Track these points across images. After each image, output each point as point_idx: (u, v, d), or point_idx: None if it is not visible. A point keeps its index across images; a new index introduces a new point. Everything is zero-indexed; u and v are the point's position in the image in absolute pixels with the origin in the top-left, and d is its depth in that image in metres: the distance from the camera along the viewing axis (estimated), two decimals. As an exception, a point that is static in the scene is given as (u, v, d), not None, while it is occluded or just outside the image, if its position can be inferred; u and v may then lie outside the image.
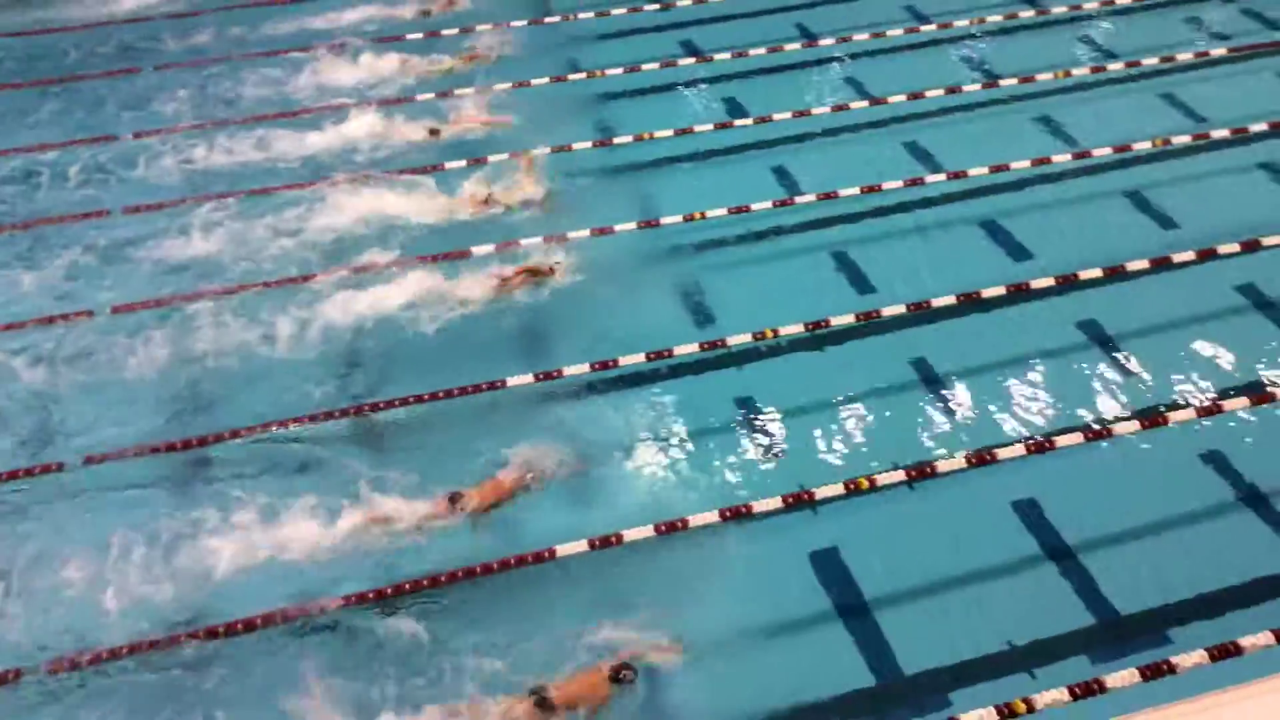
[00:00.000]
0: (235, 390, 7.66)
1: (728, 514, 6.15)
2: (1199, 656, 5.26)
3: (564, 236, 8.93)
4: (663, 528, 6.28)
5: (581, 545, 6.22)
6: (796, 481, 6.49)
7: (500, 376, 7.45)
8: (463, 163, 9.83)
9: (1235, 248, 8.52)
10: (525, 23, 11.91)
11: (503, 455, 6.94)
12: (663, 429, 7.04)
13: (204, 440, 7.26)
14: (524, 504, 6.86)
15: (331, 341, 8.08)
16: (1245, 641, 5.34)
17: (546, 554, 6.21)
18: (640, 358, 7.54)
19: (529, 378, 7.43)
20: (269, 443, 7.34)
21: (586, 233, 8.91)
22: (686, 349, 7.90)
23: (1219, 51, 11.43)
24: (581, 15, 12.33)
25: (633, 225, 9.13)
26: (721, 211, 9.20)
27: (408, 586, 6.16)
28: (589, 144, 10.02)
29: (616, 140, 10.02)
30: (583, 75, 10.95)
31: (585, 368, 7.54)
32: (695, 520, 6.38)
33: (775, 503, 6.34)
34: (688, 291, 8.99)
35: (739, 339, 7.88)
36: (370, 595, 6.06)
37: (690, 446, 6.91)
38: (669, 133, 10.11)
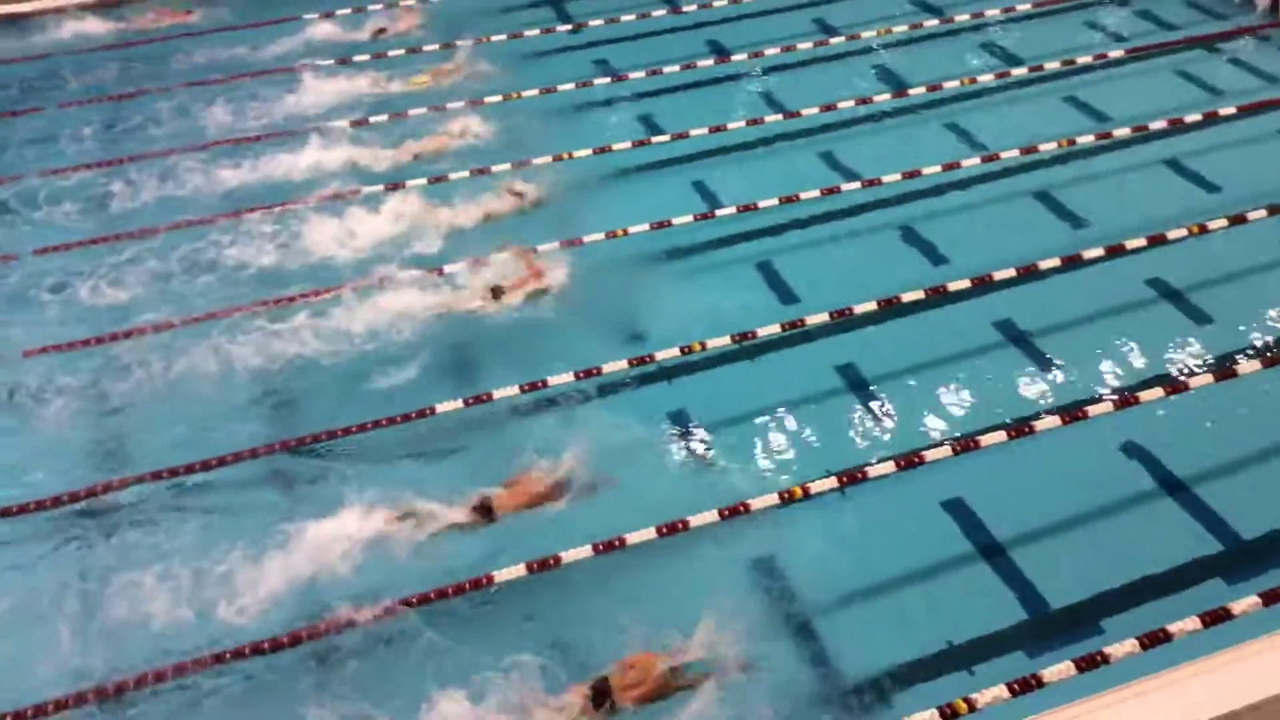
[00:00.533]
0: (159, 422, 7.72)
1: (664, 529, 6.13)
2: (1130, 645, 5.36)
3: (485, 260, 9.10)
4: (600, 546, 6.46)
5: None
6: (733, 494, 6.55)
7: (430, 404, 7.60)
8: (380, 188, 10.18)
9: (1142, 242, 8.76)
10: (437, 47, 12.12)
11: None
12: (592, 449, 6.99)
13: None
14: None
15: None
16: (1174, 628, 5.45)
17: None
18: (568, 377, 7.50)
19: (459, 403, 7.60)
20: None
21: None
22: (614, 366, 7.89)
23: (1117, 53, 11.87)
24: (495, 38, 12.52)
25: (555, 244, 9.23)
26: (644, 227, 9.21)
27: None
28: (507, 165, 10.18)
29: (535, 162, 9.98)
30: (498, 98, 11.18)
31: (514, 390, 7.69)
32: (632, 538, 6.50)
33: (711, 516, 6.34)
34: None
35: (667, 354, 7.88)
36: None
37: (622, 465, 6.87)
38: (587, 152, 10.35)
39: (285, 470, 7.53)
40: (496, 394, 7.71)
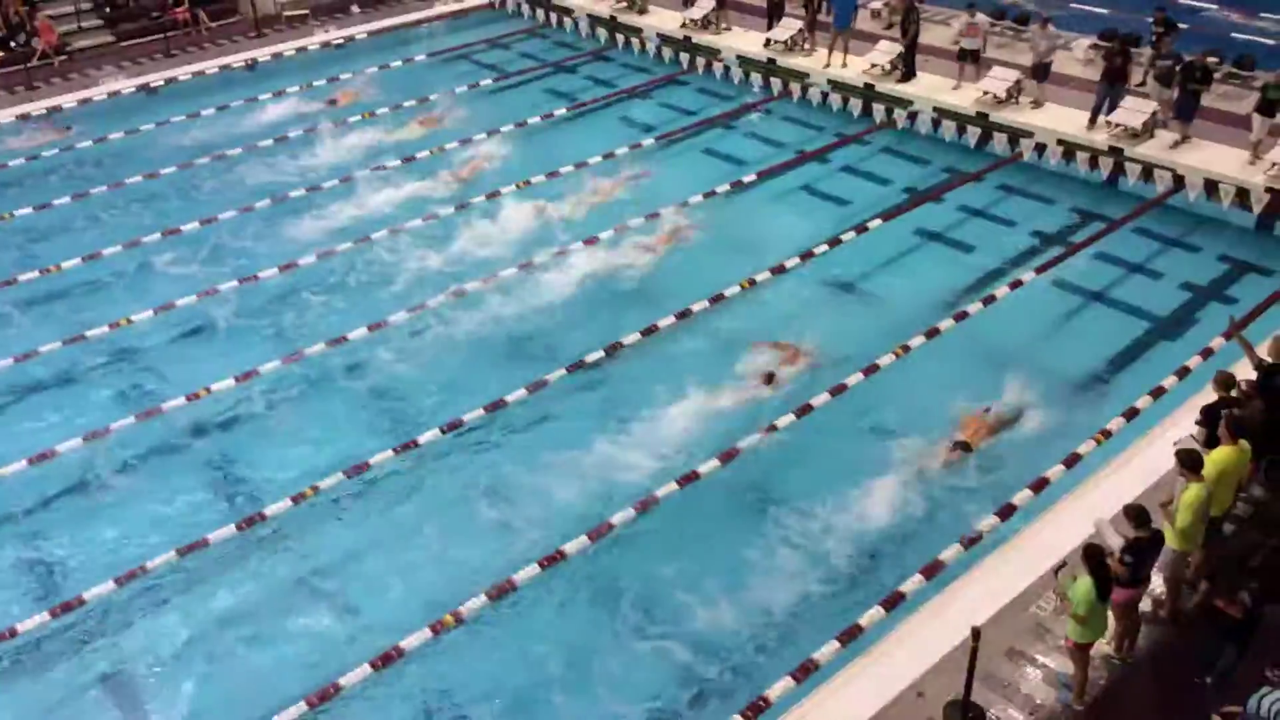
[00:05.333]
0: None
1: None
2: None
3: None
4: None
5: None
6: (387, 640, 6.60)
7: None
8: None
9: (705, 304, 14.61)
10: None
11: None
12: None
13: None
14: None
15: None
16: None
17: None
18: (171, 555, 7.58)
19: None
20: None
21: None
22: (222, 533, 8.30)
23: (648, 141, 15.11)
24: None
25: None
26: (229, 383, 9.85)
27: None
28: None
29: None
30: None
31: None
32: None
33: (364, 674, 6.16)
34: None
35: (279, 507, 8.23)
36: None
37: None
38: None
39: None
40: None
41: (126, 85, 24.10)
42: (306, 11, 28.76)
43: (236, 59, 25.61)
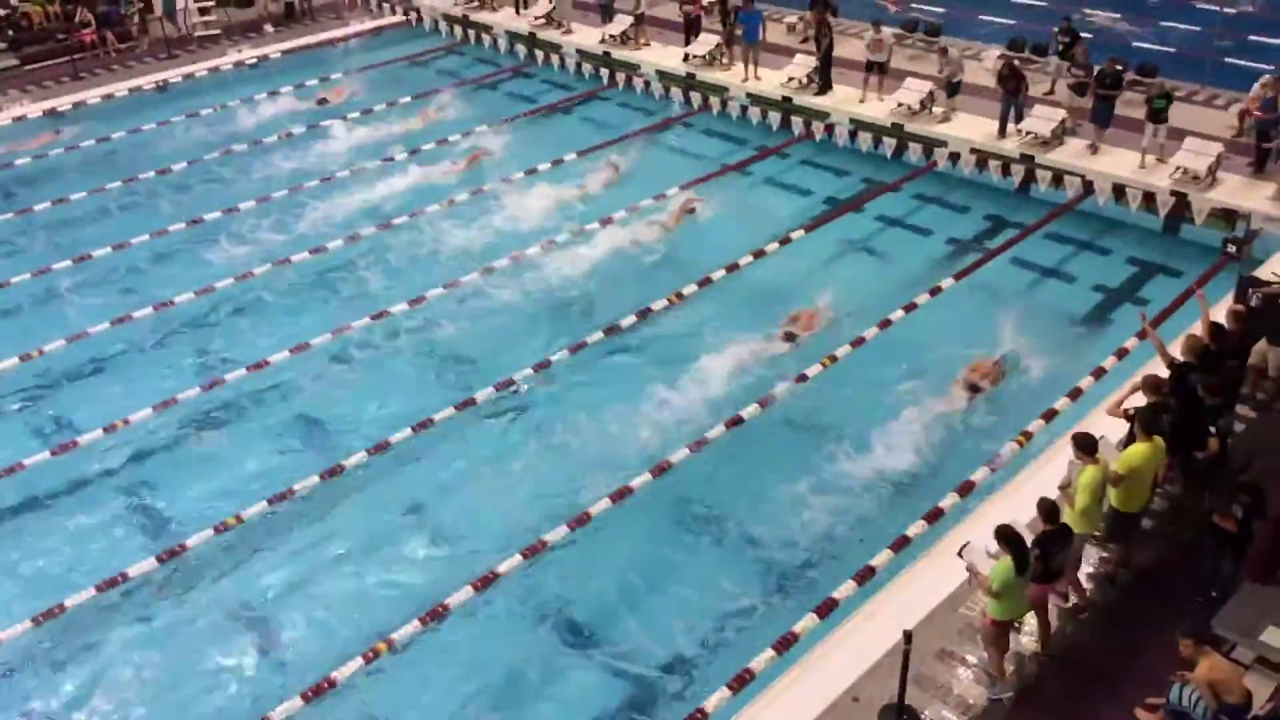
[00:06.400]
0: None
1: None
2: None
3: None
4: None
5: None
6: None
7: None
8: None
9: (664, 303, 15.61)
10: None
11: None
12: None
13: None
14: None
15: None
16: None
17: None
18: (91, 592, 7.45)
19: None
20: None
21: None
22: (142, 567, 8.17)
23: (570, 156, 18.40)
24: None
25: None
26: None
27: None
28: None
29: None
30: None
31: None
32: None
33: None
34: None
35: (200, 538, 8.12)
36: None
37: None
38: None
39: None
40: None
41: (33, 110, 23.56)
42: (219, 31, 28.40)
43: (147, 80, 25.18)
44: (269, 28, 28.82)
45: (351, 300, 16.71)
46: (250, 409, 14.32)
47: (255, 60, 26.53)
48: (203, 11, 28.61)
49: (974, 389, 14.14)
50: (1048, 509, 9.63)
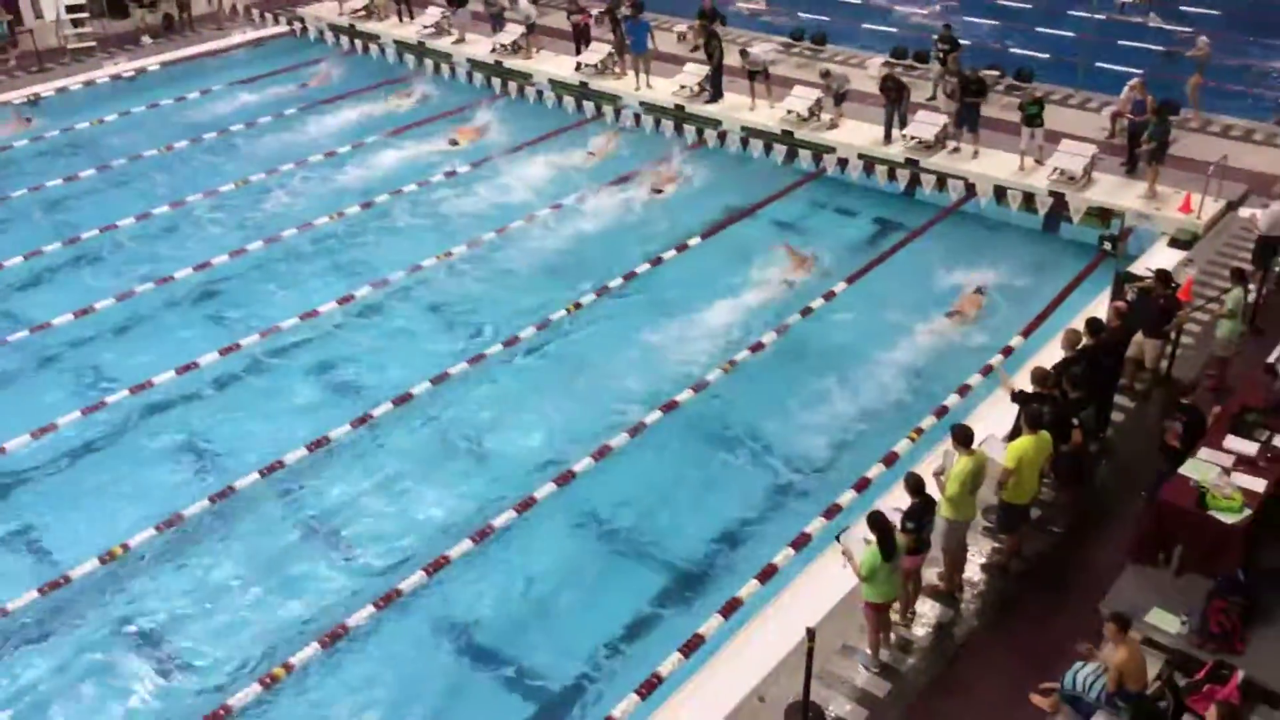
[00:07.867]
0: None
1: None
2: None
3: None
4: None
5: None
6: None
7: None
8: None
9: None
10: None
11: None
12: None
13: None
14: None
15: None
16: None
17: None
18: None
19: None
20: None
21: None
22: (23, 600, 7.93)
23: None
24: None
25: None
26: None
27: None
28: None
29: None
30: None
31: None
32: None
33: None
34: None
35: (85, 569, 7.92)
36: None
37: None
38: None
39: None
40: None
41: (-107, 125, 23.50)
42: (93, 44, 27.39)
43: (17, 95, 24.19)
44: (147, 39, 28.00)
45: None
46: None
47: (133, 73, 25.79)
48: (76, 23, 27.52)
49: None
50: (914, 482, 10.09)
